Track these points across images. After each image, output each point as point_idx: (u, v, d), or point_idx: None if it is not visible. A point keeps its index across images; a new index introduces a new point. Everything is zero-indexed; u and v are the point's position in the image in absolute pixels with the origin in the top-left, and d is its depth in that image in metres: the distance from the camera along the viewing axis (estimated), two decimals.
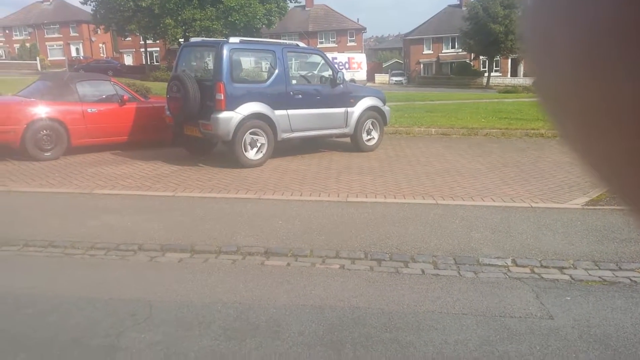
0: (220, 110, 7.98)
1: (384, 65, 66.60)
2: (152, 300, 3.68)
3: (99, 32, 49.78)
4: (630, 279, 4.16)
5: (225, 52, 8.07)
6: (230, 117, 8.02)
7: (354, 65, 36.34)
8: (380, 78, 55.73)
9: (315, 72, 9.81)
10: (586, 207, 6.14)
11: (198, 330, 3.28)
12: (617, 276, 4.22)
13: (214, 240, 4.96)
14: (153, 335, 3.21)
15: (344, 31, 61.09)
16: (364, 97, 9.87)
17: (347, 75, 12.96)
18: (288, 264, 4.44)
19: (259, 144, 8.40)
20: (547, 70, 0.24)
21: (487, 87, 45.79)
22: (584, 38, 0.21)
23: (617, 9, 0.19)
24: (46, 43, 63.37)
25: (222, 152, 9.03)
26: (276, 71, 8.65)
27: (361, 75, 35.39)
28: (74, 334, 3.23)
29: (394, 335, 3.24)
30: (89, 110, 9.20)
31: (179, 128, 8.77)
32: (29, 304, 3.62)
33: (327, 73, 9.48)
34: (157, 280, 4.10)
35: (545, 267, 4.39)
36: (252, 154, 8.35)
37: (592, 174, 0.24)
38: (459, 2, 59.83)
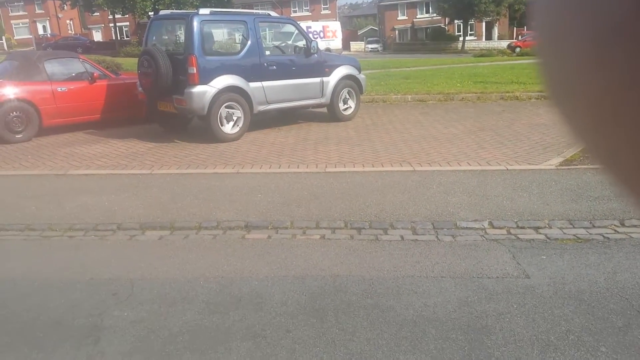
0: (194, 85, 7.85)
1: (359, 32, 65.99)
2: (134, 279, 3.67)
3: (65, 8, 48.37)
4: (603, 236, 4.27)
5: (195, 24, 7.90)
6: (205, 91, 7.90)
7: (329, 33, 36.01)
8: (356, 46, 55.32)
9: (289, 42, 9.69)
10: (560, 167, 6.25)
11: (181, 305, 3.30)
12: (590, 234, 4.33)
13: (194, 216, 4.95)
14: (136, 313, 3.22)
15: None
16: (339, 66, 9.78)
17: (322, 44, 12.83)
18: (269, 237, 4.46)
19: (235, 118, 8.31)
20: (555, 61, 0.24)
21: (463, 51, 45.76)
22: (591, 29, 0.21)
23: (623, 2, 0.19)
24: (11, 22, 61.41)
25: (198, 127, 8.93)
26: (249, 42, 8.51)
27: (336, 43, 35.12)
28: (55, 315, 3.22)
29: (375, 301, 3.30)
30: (58, 89, 8.98)
31: (152, 104, 8.63)
32: (8, 288, 3.60)
33: (301, 43, 9.37)
34: (138, 259, 4.09)
35: (521, 227, 4.48)
36: (228, 128, 8.27)
37: (594, 159, 0.24)
38: None
